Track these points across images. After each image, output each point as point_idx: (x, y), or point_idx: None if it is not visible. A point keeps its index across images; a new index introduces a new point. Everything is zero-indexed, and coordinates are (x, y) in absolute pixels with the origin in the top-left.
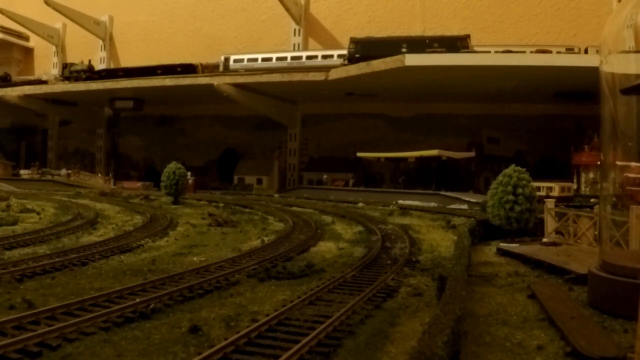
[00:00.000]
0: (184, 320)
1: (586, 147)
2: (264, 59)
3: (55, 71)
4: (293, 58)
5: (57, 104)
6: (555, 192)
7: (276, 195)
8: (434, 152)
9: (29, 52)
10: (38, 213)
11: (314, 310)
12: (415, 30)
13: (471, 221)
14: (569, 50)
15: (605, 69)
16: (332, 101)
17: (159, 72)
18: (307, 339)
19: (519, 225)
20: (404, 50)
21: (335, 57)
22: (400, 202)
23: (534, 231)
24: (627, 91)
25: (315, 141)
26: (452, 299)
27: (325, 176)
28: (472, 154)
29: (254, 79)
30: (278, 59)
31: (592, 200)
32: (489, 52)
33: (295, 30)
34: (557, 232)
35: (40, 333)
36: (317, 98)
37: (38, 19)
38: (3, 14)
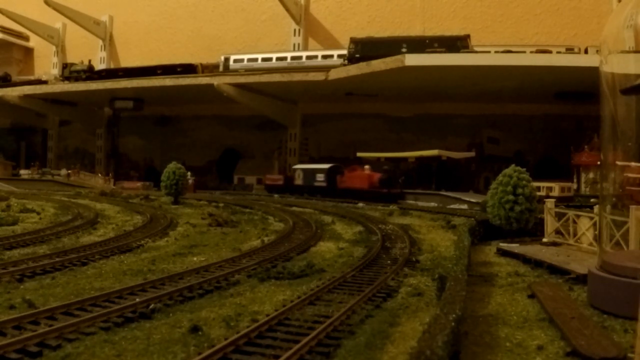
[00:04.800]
0: (184, 320)
1: (586, 147)
2: (264, 59)
3: (55, 71)
4: (293, 58)
5: (57, 104)
6: (555, 192)
7: (276, 195)
8: (434, 152)
9: (29, 52)
10: (38, 213)
11: (314, 310)
12: (415, 30)
13: (471, 221)
14: (569, 50)
15: (605, 69)
16: (332, 101)
17: (159, 72)
18: (307, 339)
19: (519, 225)
20: (404, 50)
21: (335, 57)
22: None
23: (534, 231)
24: (627, 91)
25: (315, 141)
26: (452, 299)
27: None
28: (472, 154)
29: (254, 79)
30: (278, 59)
31: (592, 200)
32: (489, 52)
33: (295, 30)
34: (557, 232)
35: (40, 333)
36: (317, 98)
37: (38, 19)
38: (3, 14)
